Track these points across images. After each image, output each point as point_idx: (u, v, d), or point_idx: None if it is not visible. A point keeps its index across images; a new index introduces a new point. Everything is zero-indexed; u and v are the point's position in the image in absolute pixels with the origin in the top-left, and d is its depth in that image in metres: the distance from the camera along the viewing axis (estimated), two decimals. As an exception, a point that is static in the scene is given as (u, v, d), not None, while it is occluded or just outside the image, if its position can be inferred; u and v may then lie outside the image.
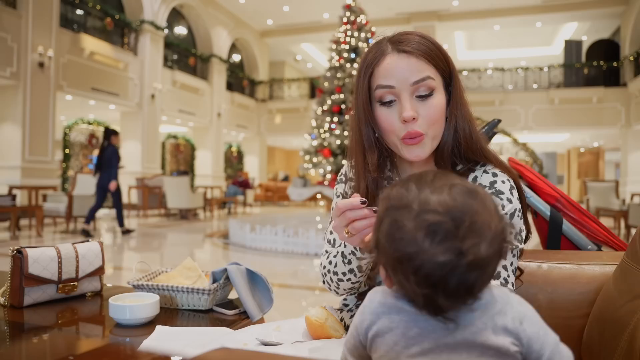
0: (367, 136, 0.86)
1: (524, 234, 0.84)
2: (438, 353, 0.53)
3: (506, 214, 0.81)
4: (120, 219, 7.25)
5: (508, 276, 0.79)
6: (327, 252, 0.93)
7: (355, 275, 0.87)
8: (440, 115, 0.81)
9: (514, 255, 0.82)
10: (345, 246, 0.86)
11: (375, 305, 0.58)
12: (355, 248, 0.83)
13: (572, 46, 14.38)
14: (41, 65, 8.35)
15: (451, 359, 0.53)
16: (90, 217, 6.94)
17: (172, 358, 0.44)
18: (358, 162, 0.88)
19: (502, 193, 0.82)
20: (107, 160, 6.79)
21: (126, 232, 7.28)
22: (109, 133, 6.90)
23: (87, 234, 6.77)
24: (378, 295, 0.59)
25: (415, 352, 0.54)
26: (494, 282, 0.78)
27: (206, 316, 1.08)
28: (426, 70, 0.79)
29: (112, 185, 6.87)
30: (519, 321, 0.55)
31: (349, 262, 0.85)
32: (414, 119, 0.79)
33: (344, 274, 0.87)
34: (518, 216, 0.83)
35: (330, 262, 0.90)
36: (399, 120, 0.80)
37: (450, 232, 0.50)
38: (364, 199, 0.71)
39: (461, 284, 0.50)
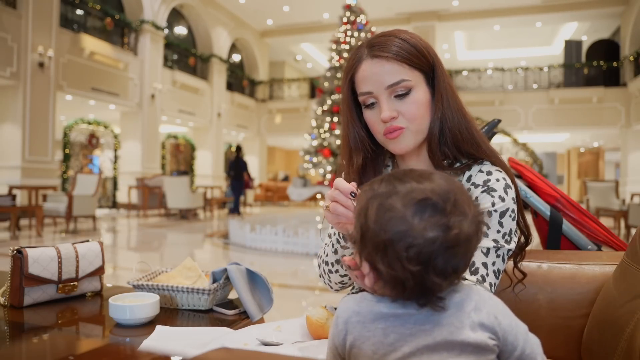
0: (352, 138, 0.91)
1: (515, 237, 0.81)
2: (419, 356, 0.53)
3: (496, 211, 0.79)
4: (237, 208, 10.59)
5: (487, 275, 0.77)
6: (325, 243, 0.97)
7: (342, 267, 0.90)
8: (422, 110, 0.83)
9: (498, 256, 0.78)
10: (335, 234, 0.89)
11: (348, 315, 0.58)
12: (339, 236, 0.87)
13: (572, 46, 14.38)
14: (41, 65, 8.35)
15: (429, 358, 0.53)
16: (237, 208, 10.61)
17: (172, 358, 0.44)
18: (346, 163, 0.93)
19: (495, 191, 0.80)
20: (242, 168, 10.39)
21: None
22: (239, 149, 10.59)
23: (239, 214, 10.47)
24: (350, 304, 0.59)
25: (396, 357, 0.54)
26: (471, 278, 0.76)
27: (206, 316, 1.08)
28: (400, 72, 0.81)
29: (250, 184, 11.30)
30: (493, 316, 0.56)
31: (336, 252, 0.89)
32: (393, 118, 0.82)
33: (332, 264, 0.91)
34: (510, 216, 0.80)
35: (324, 251, 0.94)
36: (381, 121, 0.83)
37: (438, 208, 0.53)
38: (355, 192, 0.73)
39: (449, 260, 0.52)
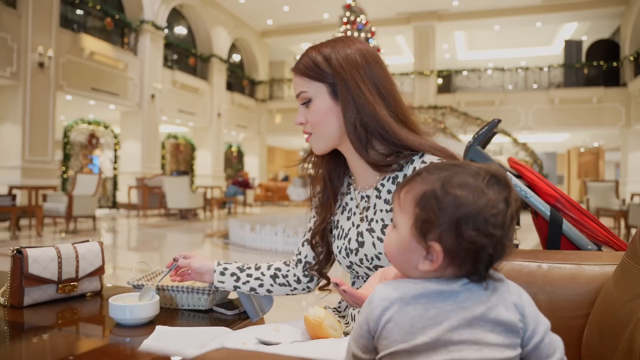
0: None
1: None
2: (456, 330, 0.57)
3: None
4: None
5: None
6: None
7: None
8: (320, 118, 0.91)
9: None
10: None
11: (387, 292, 0.60)
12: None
13: (572, 46, 14.38)
14: (41, 65, 8.36)
15: (463, 333, 0.56)
16: None
17: (172, 358, 0.44)
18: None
19: None
20: None
21: None
22: None
23: None
24: (390, 284, 0.61)
25: (435, 332, 0.57)
26: None
27: (206, 316, 1.08)
28: (300, 85, 0.92)
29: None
30: (521, 299, 0.61)
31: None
32: (302, 123, 0.95)
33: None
34: None
35: None
36: None
37: (502, 184, 0.59)
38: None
39: (511, 228, 0.58)
